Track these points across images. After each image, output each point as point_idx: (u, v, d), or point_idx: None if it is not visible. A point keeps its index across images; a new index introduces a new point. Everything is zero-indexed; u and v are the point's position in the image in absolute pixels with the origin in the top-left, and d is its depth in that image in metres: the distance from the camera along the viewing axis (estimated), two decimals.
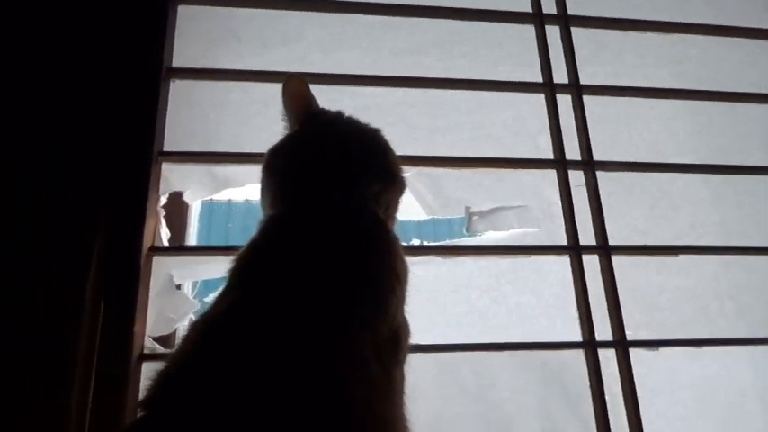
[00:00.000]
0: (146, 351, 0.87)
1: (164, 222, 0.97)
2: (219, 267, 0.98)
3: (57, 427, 0.75)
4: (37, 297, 0.79)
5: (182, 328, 0.96)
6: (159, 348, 0.90)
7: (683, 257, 1.07)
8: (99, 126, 0.92)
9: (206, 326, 0.60)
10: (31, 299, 0.79)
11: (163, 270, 0.93)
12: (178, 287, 0.96)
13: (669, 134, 1.17)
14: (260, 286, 0.62)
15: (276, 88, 1.09)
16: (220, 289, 0.68)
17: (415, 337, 0.95)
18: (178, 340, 1.03)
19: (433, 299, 0.99)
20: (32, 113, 0.91)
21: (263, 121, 1.07)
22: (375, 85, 1.10)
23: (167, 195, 1.00)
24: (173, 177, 1.00)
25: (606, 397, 0.95)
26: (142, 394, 0.58)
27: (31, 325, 0.78)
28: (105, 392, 0.80)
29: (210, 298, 0.93)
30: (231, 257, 0.70)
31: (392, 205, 0.78)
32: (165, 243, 0.96)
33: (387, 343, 0.63)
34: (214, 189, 1.01)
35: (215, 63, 1.09)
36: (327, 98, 1.10)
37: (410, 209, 1.06)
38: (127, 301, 0.84)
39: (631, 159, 1.13)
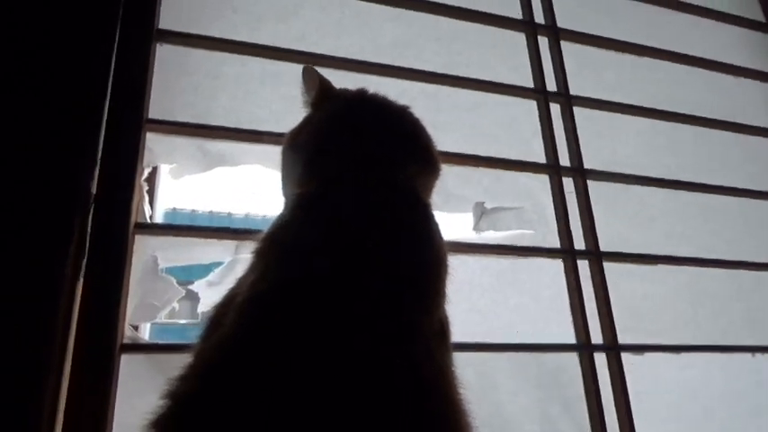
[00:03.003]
0: (125, 341, 0.76)
1: (147, 198, 0.86)
2: (208, 251, 0.89)
3: (27, 424, 0.62)
4: (6, 276, 0.66)
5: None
6: (140, 338, 0.79)
7: (661, 266, 1.12)
8: (81, 86, 0.80)
9: (254, 306, 0.52)
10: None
11: (146, 251, 0.82)
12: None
13: (645, 149, 1.23)
14: (311, 262, 0.55)
15: (274, 65, 1.03)
16: (248, 268, 0.60)
17: None
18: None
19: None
20: (7, 71, 0.77)
21: (259, 99, 0.99)
22: (377, 74, 1.06)
23: (149, 169, 0.89)
24: (158, 149, 0.89)
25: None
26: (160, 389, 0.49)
27: None
28: (83, 387, 0.68)
29: (208, 282, 0.84)
30: (253, 239, 0.63)
31: (428, 189, 0.74)
32: (149, 221, 0.85)
33: (437, 333, 0.59)
34: (205, 166, 0.91)
35: (208, 32, 1.00)
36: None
37: None
38: (113, 283, 0.73)
39: (615, 170, 1.17)
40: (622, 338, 1.03)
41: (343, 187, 0.64)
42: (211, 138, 0.91)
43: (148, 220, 0.85)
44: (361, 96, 0.78)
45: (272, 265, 0.57)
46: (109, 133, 0.80)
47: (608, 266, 1.07)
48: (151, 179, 0.95)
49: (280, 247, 0.59)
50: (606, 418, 0.94)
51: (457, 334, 0.95)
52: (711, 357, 1.08)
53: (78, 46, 0.82)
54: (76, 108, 0.78)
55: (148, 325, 0.93)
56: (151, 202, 0.97)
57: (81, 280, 0.72)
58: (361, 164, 0.67)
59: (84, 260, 0.73)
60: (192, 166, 0.91)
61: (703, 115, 1.31)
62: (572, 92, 1.21)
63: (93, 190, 0.76)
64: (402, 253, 0.59)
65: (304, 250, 0.57)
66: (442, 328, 0.62)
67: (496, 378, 0.95)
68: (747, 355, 1.11)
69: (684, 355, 1.06)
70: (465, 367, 0.94)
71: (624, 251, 1.10)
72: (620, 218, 1.14)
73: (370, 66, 1.06)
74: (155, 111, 0.90)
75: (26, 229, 0.69)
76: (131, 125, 0.83)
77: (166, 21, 0.97)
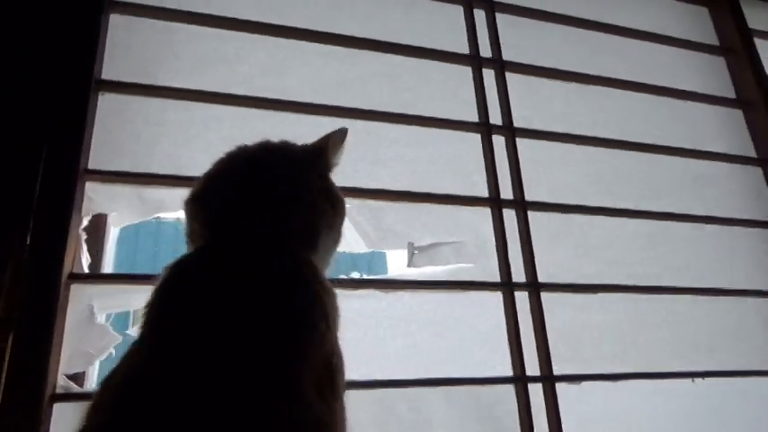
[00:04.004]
0: (58, 390, 0.79)
1: (85, 247, 0.89)
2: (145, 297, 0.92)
3: None
4: None
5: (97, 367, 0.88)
6: (74, 387, 0.82)
7: (601, 294, 1.15)
8: (22, 138, 0.84)
9: (119, 386, 0.52)
10: None
11: (82, 300, 0.85)
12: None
13: (587, 177, 1.26)
14: (173, 333, 0.55)
15: (216, 109, 1.06)
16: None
17: (355, 372, 0.94)
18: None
19: (372, 333, 0.98)
20: None
21: (203, 143, 1.02)
22: (317, 114, 1.10)
23: (90, 217, 0.92)
24: (98, 198, 0.93)
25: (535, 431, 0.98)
26: None
27: None
28: None
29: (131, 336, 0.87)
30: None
31: (330, 228, 0.72)
32: (86, 269, 0.88)
33: (322, 376, 0.58)
34: (144, 213, 0.95)
35: (152, 80, 1.03)
36: (269, 123, 1.08)
37: (349, 241, 1.05)
38: (42, 333, 0.76)
39: (556, 200, 1.20)
40: (562, 369, 1.05)
41: (218, 249, 0.64)
42: (149, 185, 0.95)
43: (85, 269, 0.88)
44: (257, 147, 0.74)
45: (143, 330, 0.56)
46: (44, 185, 0.84)
47: (549, 297, 1.10)
48: (100, 224, 0.99)
49: (152, 310, 0.58)
50: None
51: (393, 370, 0.99)
52: (654, 385, 1.11)
53: (16, 99, 0.86)
54: (10, 160, 0.82)
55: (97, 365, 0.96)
56: (100, 247, 1.00)
57: (12, 332, 0.75)
58: (239, 220, 0.65)
59: (17, 311, 0.76)
60: (131, 213, 0.94)
61: (653, 142, 1.33)
62: (520, 124, 1.24)
63: (27, 241, 0.80)
64: (266, 309, 0.57)
65: (171, 317, 0.57)
66: (329, 369, 0.59)
67: (431, 413, 0.97)
68: (688, 382, 1.13)
69: (625, 384, 1.08)
70: (398, 403, 0.98)
71: (566, 281, 1.13)
72: (562, 247, 1.17)
73: (311, 106, 1.10)
74: (96, 160, 0.94)
75: None
76: (65, 176, 0.86)
77: (109, 70, 1.01)
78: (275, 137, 0.78)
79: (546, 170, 1.23)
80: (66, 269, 0.83)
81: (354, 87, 1.16)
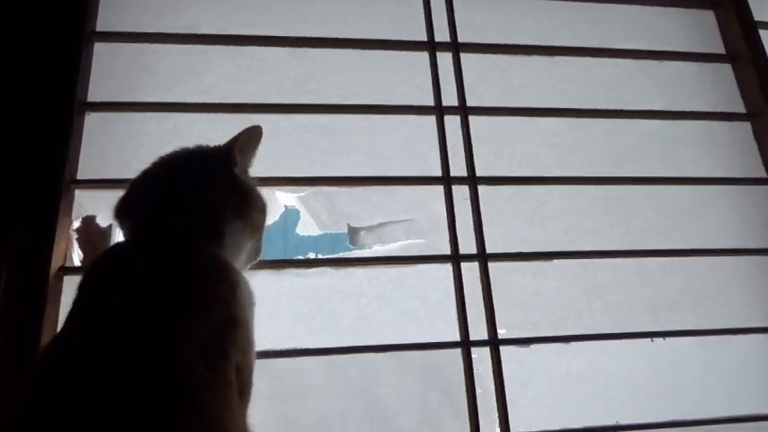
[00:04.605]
0: None
1: (75, 245, 1.07)
2: None
3: None
4: None
5: None
6: None
7: (556, 262, 1.19)
8: (11, 154, 1.02)
9: (45, 360, 0.65)
10: None
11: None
12: None
13: (549, 148, 1.29)
14: (88, 316, 0.67)
15: (186, 118, 1.21)
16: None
17: (307, 342, 1.07)
18: None
19: (325, 307, 1.09)
20: None
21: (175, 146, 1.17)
22: (274, 113, 1.21)
23: (80, 220, 1.10)
24: (87, 203, 1.10)
25: (478, 390, 1.06)
26: None
27: None
28: None
29: None
30: None
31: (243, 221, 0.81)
32: (77, 264, 1.06)
33: (211, 349, 0.65)
34: None
35: (132, 97, 1.19)
36: (232, 125, 1.21)
37: (306, 224, 1.17)
38: (34, 322, 0.94)
39: (515, 173, 1.25)
40: (511, 333, 1.12)
41: (131, 240, 0.77)
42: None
43: (77, 264, 1.06)
44: (167, 156, 0.84)
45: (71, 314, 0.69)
46: (35, 194, 1.02)
47: (502, 266, 1.16)
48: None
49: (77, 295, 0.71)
50: (488, 409, 1.05)
51: (345, 339, 1.10)
52: (605, 346, 1.14)
53: (8, 119, 1.04)
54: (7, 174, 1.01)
55: None
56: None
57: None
58: (151, 218, 0.76)
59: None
60: None
61: (616, 107, 1.34)
62: (477, 103, 1.29)
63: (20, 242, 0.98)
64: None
65: (88, 301, 0.69)
66: (217, 343, 0.66)
67: (380, 375, 1.08)
68: (647, 342, 1.15)
69: (575, 346, 1.13)
70: (349, 368, 1.09)
71: (519, 251, 1.18)
72: (517, 219, 1.22)
73: (272, 106, 1.21)
74: (85, 171, 1.12)
75: None
76: (54, 185, 1.04)
77: (96, 92, 1.18)
78: None
79: (504, 144, 1.28)
80: (57, 264, 1.01)
81: (311, 84, 1.26)
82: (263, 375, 1.03)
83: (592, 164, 1.29)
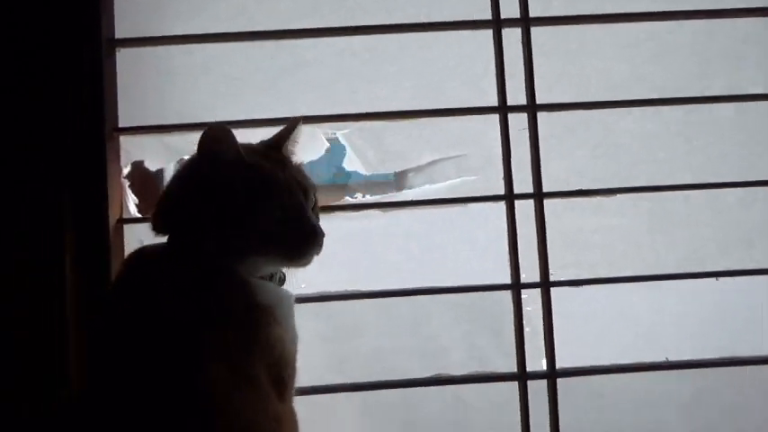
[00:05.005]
0: None
1: (129, 192, 1.09)
2: None
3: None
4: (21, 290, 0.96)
5: None
6: None
7: (620, 197, 1.10)
8: (50, 111, 1.01)
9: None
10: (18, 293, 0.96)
11: (136, 237, 1.07)
12: None
13: (624, 62, 1.12)
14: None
15: (219, 48, 1.12)
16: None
17: (357, 285, 1.09)
18: None
19: (372, 250, 1.09)
20: None
21: (206, 84, 1.11)
22: (314, 37, 1.11)
23: (130, 166, 1.10)
24: (133, 149, 1.10)
25: (527, 329, 1.08)
26: None
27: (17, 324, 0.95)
28: None
29: None
30: None
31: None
32: (133, 211, 1.09)
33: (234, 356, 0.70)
34: (169, 158, 1.10)
35: (160, 25, 1.11)
36: (265, 53, 1.13)
37: (352, 162, 1.12)
38: (101, 277, 1.00)
39: (583, 92, 1.12)
40: (565, 273, 1.09)
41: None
42: (168, 133, 1.09)
43: (133, 211, 1.09)
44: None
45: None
46: (80, 148, 1.02)
47: (559, 202, 1.10)
48: None
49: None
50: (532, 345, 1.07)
51: (392, 282, 1.11)
52: (664, 285, 1.10)
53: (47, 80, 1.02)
54: (50, 132, 1.01)
55: None
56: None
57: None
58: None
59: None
60: (159, 159, 1.10)
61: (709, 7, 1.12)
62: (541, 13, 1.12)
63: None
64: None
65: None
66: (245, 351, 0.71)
67: (430, 314, 1.10)
68: (711, 281, 1.09)
69: (628, 285, 1.09)
70: (401, 306, 1.11)
71: (578, 186, 1.10)
72: (579, 150, 1.12)
73: (309, 31, 1.10)
74: (125, 116, 1.09)
75: (28, 248, 0.97)
76: (97, 137, 1.03)
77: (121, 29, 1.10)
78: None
79: (571, 59, 1.13)
80: (114, 215, 1.04)
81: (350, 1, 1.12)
82: (318, 317, 1.09)
83: (673, 79, 1.12)
